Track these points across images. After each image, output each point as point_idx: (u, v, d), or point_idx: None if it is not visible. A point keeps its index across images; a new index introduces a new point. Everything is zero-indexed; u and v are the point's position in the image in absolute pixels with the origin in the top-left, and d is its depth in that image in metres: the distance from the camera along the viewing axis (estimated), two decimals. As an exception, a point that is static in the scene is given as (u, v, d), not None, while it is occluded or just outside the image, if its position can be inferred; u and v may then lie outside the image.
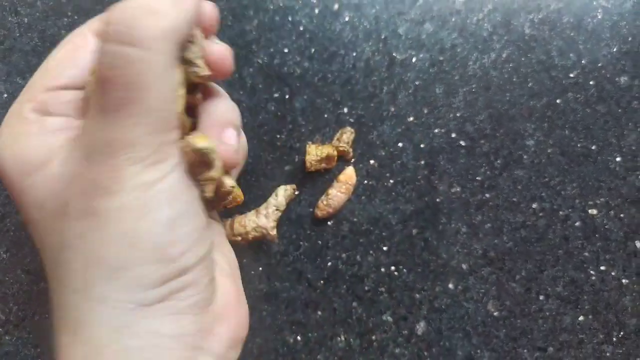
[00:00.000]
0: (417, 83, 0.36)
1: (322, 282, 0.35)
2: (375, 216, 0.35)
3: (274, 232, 0.32)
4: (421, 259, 0.35)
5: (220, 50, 0.23)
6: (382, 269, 0.35)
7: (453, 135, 0.36)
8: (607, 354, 0.34)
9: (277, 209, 0.33)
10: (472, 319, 0.34)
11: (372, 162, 0.36)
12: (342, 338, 0.34)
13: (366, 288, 0.35)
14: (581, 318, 0.34)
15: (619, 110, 0.36)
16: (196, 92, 0.23)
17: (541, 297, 0.35)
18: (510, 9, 0.37)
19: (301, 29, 0.37)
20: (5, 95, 0.37)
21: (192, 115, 0.23)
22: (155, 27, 0.18)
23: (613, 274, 0.35)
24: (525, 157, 0.36)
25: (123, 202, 0.19)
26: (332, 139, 0.36)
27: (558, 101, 0.36)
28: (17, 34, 0.38)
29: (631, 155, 0.36)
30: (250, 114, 0.37)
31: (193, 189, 0.21)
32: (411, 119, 0.36)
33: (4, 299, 0.35)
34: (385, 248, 0.35)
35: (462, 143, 0.36)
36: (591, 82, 0.36)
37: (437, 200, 0.35)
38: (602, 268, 0.35)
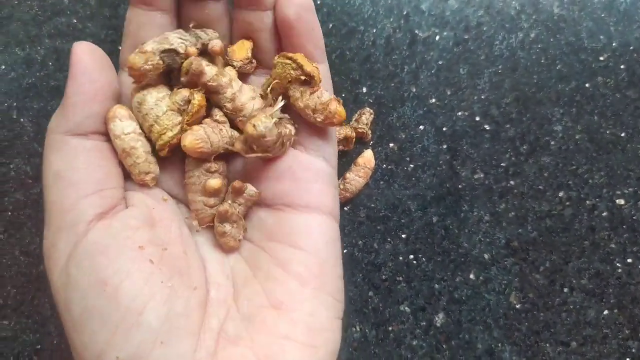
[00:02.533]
0: (440, 63, 0.35)
1: (336, 270, 0.33)
2: (394, 202, 0.34)
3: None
4: (441, 248, 0.33)
5: None
6: (400, 258, 0.33)
7: (477, 118, 0.34)
8: (633, 350, 0.32)
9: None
10: (493, 311, 0.33)
11: (391, 145, 0.34)
12: (358, 328, 0.33)
13: (383, 277, 0.33)
14: (606, 312, 0.33)
15: (651, 96, 0.34)
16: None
17: (565, 290, 0.33)
18: (539, -14, 0.35)
19: (319, 2, 0.35)
20: (3, 67, 0.35)
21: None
22: None
23: (640, 266, 0.33)
24: (552, 143, 0.34)
25: None
26: (350, 120, 0.34)
27: (587, 85, 0.35)
28: (16, 2, 0.35)
29: (662, 144, 0.34)
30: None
31: None
32: (433, 100, 0.34)
33: (1, 282, 0.33)
34: (404, 235, 0.33)
35: (487, 127, 0.34)
36: (622, 66, 0.35)
37: (459, 186, 0.34)
38: (629, 260, 0.33)
